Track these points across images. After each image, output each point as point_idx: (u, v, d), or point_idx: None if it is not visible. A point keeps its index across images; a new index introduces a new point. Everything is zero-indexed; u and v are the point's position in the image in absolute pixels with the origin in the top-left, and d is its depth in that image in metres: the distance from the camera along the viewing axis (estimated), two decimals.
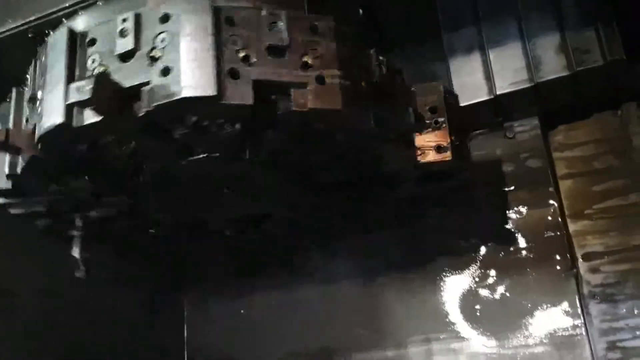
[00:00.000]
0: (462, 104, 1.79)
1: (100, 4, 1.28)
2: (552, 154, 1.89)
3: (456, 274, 1.88)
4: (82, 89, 1.03)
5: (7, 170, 1.29)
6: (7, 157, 1.29)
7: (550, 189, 1.83)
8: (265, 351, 2.09)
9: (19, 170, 1.28)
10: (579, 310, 1.72)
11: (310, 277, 2.09)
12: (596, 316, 1.71)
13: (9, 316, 1.62)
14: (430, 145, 1.41)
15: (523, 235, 1.83)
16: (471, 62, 1.83)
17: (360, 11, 1.60)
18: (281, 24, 1.16)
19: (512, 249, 1.83)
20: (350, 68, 1.22)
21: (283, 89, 1.15)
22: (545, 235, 1.80)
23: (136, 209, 1.53)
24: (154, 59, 1.09)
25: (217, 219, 1.71)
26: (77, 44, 1.15)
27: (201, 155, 1.27)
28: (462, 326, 1.83)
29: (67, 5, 1.30)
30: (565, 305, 1.73)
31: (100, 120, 1.08)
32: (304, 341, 2.05)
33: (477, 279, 1.85)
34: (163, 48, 1.09)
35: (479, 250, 1.87)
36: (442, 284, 1.89)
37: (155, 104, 1.06)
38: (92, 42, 1.15)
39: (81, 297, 1.82)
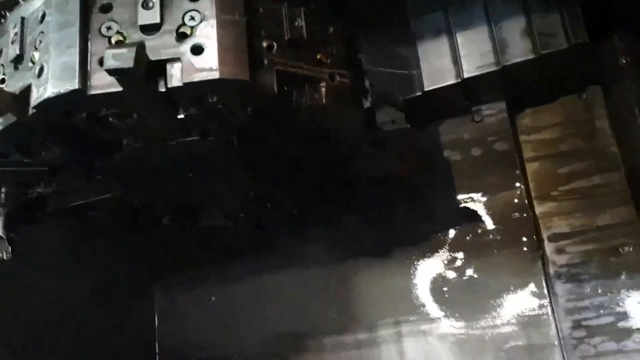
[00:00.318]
0: (430, 88, 1.82)
1: None
2: (519, 137, 1.91)
3: (425, 257, 1.90)
4: (123, 57, 1.00)
5: None
6: None
7: (517, 172, 1.84)
8: (236, 337, 2.10)
9: None
10: (545, 291, 1.74)
11: (280, 263, 2.10)
12: (562, 296, 1.74)
13: None
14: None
15: (490, 218, 1.85)
16: (439, 46, 1.83)
17: None
18: (299, 20, 1.17)
19: (479, 231, 1.85)
20: (351, 67, 1.28)
21: (300, 82, 1.18)
22: (512, 218, 1.82)
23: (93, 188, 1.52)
24: (183, 36, 1.09)
25: (166, 205, 1.71)
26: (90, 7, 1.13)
27: (194, 138, 1.27)
28: (431, 308, 1.85)
29: None
30: (531, 285, 1.76)
31: (121, 91, 1.07)
32: (275, 327, 2.06)
33: (445, 262, 1.87)
34: (193, 26, 1.08)
35: (447, 234, 1.89)
36: (411, 267, 1.91)
37: (187, 81, 1.06)
38: (106, 8, 1.13)
39: (45, 284, 1.80)
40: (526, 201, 1.82)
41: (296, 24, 1.18)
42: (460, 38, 1.81)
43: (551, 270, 1.77)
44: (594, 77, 1.86)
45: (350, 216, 2.02)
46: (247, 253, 2.14)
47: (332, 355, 1.95)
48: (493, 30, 1.77)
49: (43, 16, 1.16)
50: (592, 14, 1.70)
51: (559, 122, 1.88)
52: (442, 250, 1.88)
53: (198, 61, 1.05)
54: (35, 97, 1.12)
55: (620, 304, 1.68)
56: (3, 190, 1.48)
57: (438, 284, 1.86)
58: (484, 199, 1.87)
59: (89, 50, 1.09)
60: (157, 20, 1.08)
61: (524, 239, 1.79)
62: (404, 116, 1.45)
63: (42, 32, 1.15)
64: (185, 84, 1.05)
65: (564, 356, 1.69)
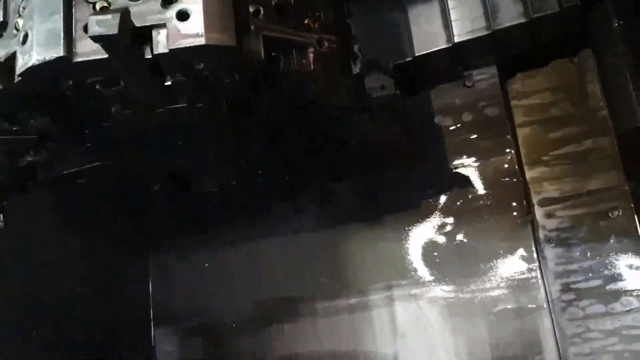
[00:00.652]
0: (421, 53, 1.82)
1: None
2: (510, 102, 1.91)
3: (416, 222, 1.91)
4: (107, 23, 0.98)
5: None
6: None
7: (508, 137, 1.85)
8: (230, 303, 2.12)
9: None
10: (535, 255, 1.76)
11: (273, 230, 2.11)
12: (551, 260, 1.76)
13: None
14: None
15: (481, 183, 1.86)
16: (430, 10, 1.82)
17: None
18: None
19: (470, 196, 1.86)
20: (340, 34, 1.26)
21: (288, 48, 1.17)
22: (503, 183, 1.83)
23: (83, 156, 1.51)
24: (168, 1, 1.06)
25: (157, 173, 1.71)
26: None
27: (182, 105, 1.26)
28: (422, 273, 1.87)
29: None
30: (521, 250, 1.77)
31: (106, 58, 1.06)
32: (268, 292, 2.07)
33: (436, 227, 1.88)
34: None
35: (438, 199, 1.90)
36: (402, 232, 1.92)
37: (173, 47, 1.04)
38: None
39: (38, 252, 1.81)
40: (516, 166, 1.82)
41: None
42: (451, 2, 1.80)
43: (541, 234, 1.78)
44: (585, 41, 1.85)
45: (341, 182, 2.03)
46: (239, 220, 2.15)
47: (325, 319, 1.97)
48: None
49: None
50: None
51: (550, 87, 1.87)
52: (433, 216, 1.89)
53: (184, 27, 1.03)
54: (20, 65, 1.10)
55: (609, 267, 1.70)
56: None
57: (429, 248, 1.88)
58: (475, 164, 1.87)
59: (74, 16, 1.08)
60: None
61: (514, 204, 1.80)
62: (394, 82, 1.45)
63: None
64: (171, 51, 1.03)
65: (552, 319, 1.71)
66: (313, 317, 1.98)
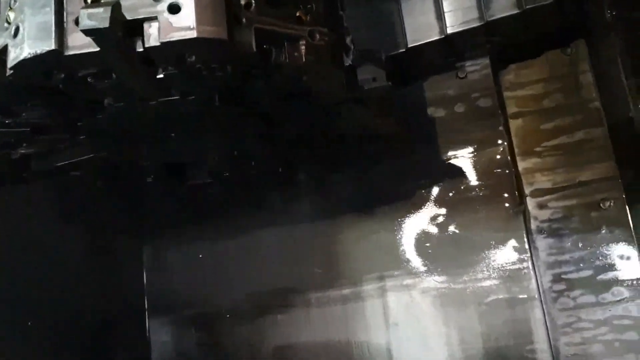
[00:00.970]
0: (414, 44, 1.82)
1: None
2: (503, 93, 1.92)
3: (409, 213, 1.92)
4: (99, 17, 0.97)
5: None
6: None
7: (501, 128, 1.85)
8: (224, 293, 2.12)
9: None
10: (526, 245, 1.77)
11: (268, 220, 2.11)
12: (543, 250, 1.77)
13: None
14: None
15: (473, 174, 1.86)
16: (423, 1, 1.81)
17: None
18: None
19: (462, 187, 1.87)
20: (332, 27, 1.26)
21: (279, 41, 1.16)
22: (495, 174, 1.84)
23: (77, 148, 1.52)
24: None
25: (150, 164, 1.72)
26: None
27: (174, 98, 1.26)
28: (415, 263, 1.88)
29: None
30: (513, 240, 1.78)
31: (98, 51, 1.05)
32: (263, 283, 2.08)
33: (428, 218, 1.89)
34: None
35: (431, 190, 1.90)
36: (395, 223, 1.93)
37: (164, 40, 1.04)
38: None
39: (34, 243, 1.81)
40: (509, 157, 1.83)
41: None
42: None
43: (533, 225, 1.80)
44: (579, 31, 1.85)
45: (336, 174, 2.04)
46: (234, 210, 2.16)
47: (318, 310, 1.99)
48: None
49: None
50: None
51: (543, 78, 1.88)
52: (426, 207, 1.90)
53: (175, 20, 1.03)
54: (12, 58, 1.09)
55: (600, 257, 1.71)
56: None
57: (421, 239, 1.89)
58: (468, 155, 1.88)
59: (65, 9, 1.07)
60: None
61: (506, 195, 1.81)
62: (385, 74, 1.45)
63: None
64: (162, 44, 1.03)
65: (543, 309, 1.72)
66: (307, 307, 1.99)
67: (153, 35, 1.05)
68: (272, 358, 2.03)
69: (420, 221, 1.90)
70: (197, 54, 1.09)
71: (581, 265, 1.72)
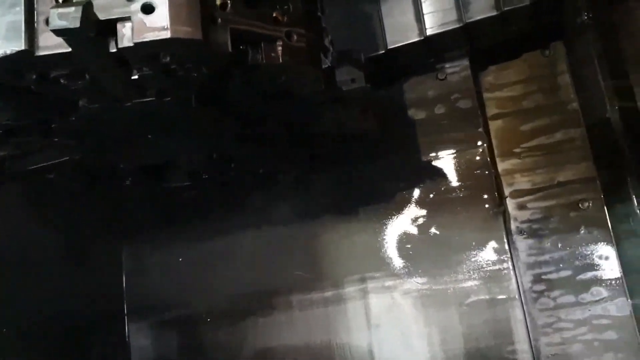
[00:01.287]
0: (394, 45, 1.82)
1: None
2: (483, 95, 1.92)
3: (389, 215, 1.91)
4: (69, 16, 0.96)
5: None
6: None
7: (480, 129, 1.86)
8: (204, 296, 2.11)
9: None
10: (506, 246, 1.77)
11: (248, 222, 2.10)
12: (523, 251, 1.78)
13: None
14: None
15: (453, 175, 1.86)
16: (402, 3, 1.82)
17: None
18: None
19: (442, 189, 1.87)
20: (309, 28, 1.25)
21: (256, 41, 1.16)
22: (475, 175, 1.84)
23: (52, 150, 1.50)
24: None
25: (128, 167, 1.70)
26: None
27: (150, 99, 1.24)
28: (396, 265, 1.88)
29: None
30: (493, 241, 1.79)
31: (70, 52, 1.04)
32: (243, 285, 2.07)
33: (409, 219, 1.89)
34: None
35: (411, 192, 1.90)
36: (376, 225, 1.92)
37: (138, 40, 1.02)
38: None
39: (11, 245, 1.79)
40: (489, 158, 1.83)
41: None
42: None
43: (512, 226, 1.81)
44: (557, 33, 1.86)
45: (316, 175, 2.03)
46: (213, 212, 2.15)
47: (300, 312, 1.98)
48: None
49: None
50: None
51: (522, 79, 1.89)
52: (406, 208, 1.90)
53: (149, 20, 1.01)
54: None
55: (579, 258, 1.72)
56: None
57: (402, 240, 1.89)
58: (448, 156, 1.88)
59: (35, 9, 1.06)
60: None
61: (486, 196, 1.81)
62: (364, 75, 1.45)
63: None
64: (136, 44, 1.02)
65: (524, 309, 1.73)
66: (288, 310, 1.98)
67: (127, 36, 1.03)
68: None
69: (401, 222, 1.90)
70: (171, 54, 1.08)
71: (561, 265, 1.73)
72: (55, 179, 1.61)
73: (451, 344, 1.79)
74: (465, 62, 1.90)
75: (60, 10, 0.95)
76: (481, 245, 1.80)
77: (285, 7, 1.22)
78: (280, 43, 1.19)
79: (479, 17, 1.73)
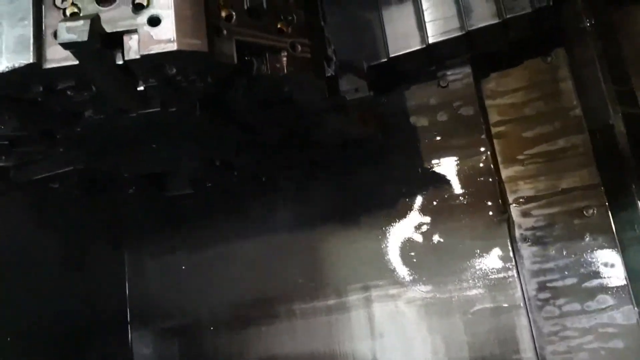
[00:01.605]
0: (395, 54, 1.82)
1: None
2: (485, 102, 1.92)
3: (393, 222, 1.91)
4: (77, 30, 0.96)
5: None
6: None
7: (483, 137, 1.85)
8: (206, 304, 2.11)
9: None
10: (511, 254, 1.77)
11: (250, 229, 2.10)
12: (527, 258, 1.77)
13: None
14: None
15: (457, 183, 1.86)
16: (404, 11, 1.82)
17: None
18: None
19: (446, 196, 1.87)
20: (313, 38, 1.26)
21: (261, 52, 1.16)
22: (478, 182, 1.84)
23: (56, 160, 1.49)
24: (139, 7, 1.05)
25: (131, 175, 1.70)
26: None
27: (155, 109, 1.25)
28: (400, 273, 1.87)
29: None
30: (497, 249, 1.78)
31: (77, 64, 1.04)
32: (245, 293, 2.06)
33: (413, 227, 1.88)
34: None
35: (415, 199, 1.90)
36: (379, 232, 1.92)
37: (144, 53, 1.03)
38: None
39: (15, 252, 1.79)
40: (492, 165, 1.83)
41: None
42: (425, 3, 1.79)
43: (517, 233, 1.80)
44: (558, 39, 1.86)
45: (318, 181, 2.03)
46: (216, 220, 2.15)
47: (302, 321, 1.97)
48: None
49: None
50: None
51: (524, 86, 1.89)
52: (410, 215, 1.89)
53: (155, 33, 1.02)
54: None
55: (584, 265, 1.72)
56: None
57: (406, 248, 1.88)
58: (451, 163, 1.88)
59: (44, 22, 1.06)
60: None
61: (490, 203, 1.81)
62: (367, 84, 1.45)
63: None
64: (142, 56, 1.02)
65: (529, 317, 1.72)
66: (290, 318, 1.98)
67: (133, 48, 1.04)
68: None
69: (404, 230, 1.89)
70: (177, 66, 1.08)
71: (566, 273, 1.73)
72: (59, 188, 1.61)
73: (456, 353, 1.78)
74: (467, 70, 1.90)
75: (69, 24, 0.95)
76: (485, 253, 1.79)
77: (290, 18, 1.22)
78: (285, 54, 1.19)
79: (480, 25, 1.73)
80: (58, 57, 1.04)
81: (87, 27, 0.95)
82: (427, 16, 1.79)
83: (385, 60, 1.81)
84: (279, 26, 1.19)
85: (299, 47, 1.21)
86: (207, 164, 1.73)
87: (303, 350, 1.96)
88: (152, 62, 1.05)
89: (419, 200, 1.89)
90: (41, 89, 1.12)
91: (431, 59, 1.87)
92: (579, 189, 1.77)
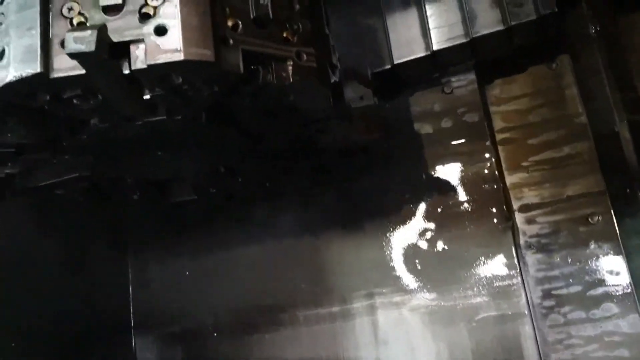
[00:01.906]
0: (400, 61, 1.82)
1: None
2: (489, 108, 1.92)
3: (396, 228, 1.90)
4: (85, 40, 0.96)
5: None
6: None
7: (487, 143, 1.85)
8: (210, 310, 2.10)
9: None
10: (515, 261, 1.76)
11: (253, 235, 2.09)
12: (532, 265, 1.77)
13: None
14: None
15: (461, 189, 1.85)
16: (408, 18, 1.82)
17: None
18: None
19: (450, 202, 1.86)
20: (318, 46, 1.27)
21: (266, 61, 1.16)
22: (483, 189, 1.83)
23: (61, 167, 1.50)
24: (146, 16, 1.05)
25: (135, 182, 1.70)
26: None
27: (161, 117, 1.24)
28: (404, 280, 1.86)
29: None
30: (501, 256, 1.78)
31: (84, 74, 1.04)
32: (249, 299, 2.06)
33: (417, 234, 1.88)
34: (156, 6, 1.05)
35: (419, 206, 1.89)
36: (383, 239, 1.91)
37: (151, 63, 1.03)
38: None
39: (19, 257, 1.79)
40: (496, 172, 1.82)
41: (261, 1, 1.16)
42: (429, 9, 1.80)
43: (521, 240, 1.79)
44: (563, 46, 1.86)
45: (322, 188, 2.02)
46: (219, 225, 2.14)
47: (306, 328, 1.96)
48: (462, 1, 1.76)
49: None
50: None
51: (528, 93, 1.89)
52: (414, 222, 1.88)
53: (162, 42, 1.02)
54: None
55: (589, 273, 1.71)
56: None
57: (410, 255, 1.87)
58: (455, 170, 1.87)
59: (51, 32, 1.06)
60: (119, 1, 1.05)
61: (495, 210, 1.80)
62: (372, 92, 1.45)
63: (2, 14, 1.11)
64: (149, 66, 1.02)
65: (534, 325, 1.71)
66: (294, 325, 1.97)
67: (140, 58, 1.04)
68: None
69: (408, 236, 1.88)
70: (184, 75, 1.08)
71: (571, 280, 1.72)
72: (64, 195, 1.60)
73: None
74: (472, 76, 1.89)
75: (76, 34, 0.95)
76: (490, 260, 1.78)
77: (295, 27, 1.22)
78: (291, 62, 1.19)
79: (485, 32, 1.73)
80: (65, 67, 1.05)
81: (94, 37, 0.95)
82: (432, 23, 1.79)
83: (390, 66, 1.81)
84: (284, 35, 1.19)
85: (305, 56, 1.21)
86: (211, 171, 1.73)
87: (307, 358, 1.95)
88: (159, 72, 1.05)
89: (423, 206, 1.89)
90: (48, 97, 1.12)
91: (435, 66, 1.86)
92: (584, 196, 1.77)
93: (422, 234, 1.87)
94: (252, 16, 1.15)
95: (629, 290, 1.66)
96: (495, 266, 1.78)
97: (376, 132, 1.69)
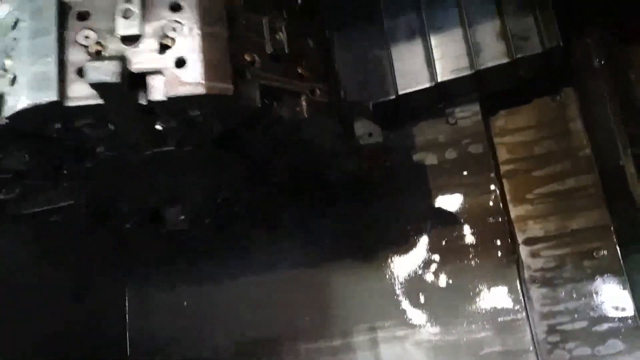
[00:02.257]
0: (404, 91, 1.81)
1: None
2: (494, 140, 1.91)
3: (400, 261, 1.88)
4: (108, 71, 0.96)
5: None
6: None
7: (492, 175, 1.84)
8: (209, 340, 2.06)
9: None
10: (520, 295, 1.74)
11: (254, 266, 2.06)
12: (536, 300, 1.74)
13: None
14: None
15: (465, 222, 1.84)
16: (412, 48, 1.82)
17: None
18: (281, 34, 1.18)
19: (455, 234, 1.84)
20: (329, 81, 1.29)
21: (282, 95, 1.17)
22: (487, 221, 1.81)
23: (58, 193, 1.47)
24: (164, 47, 1.04)
25: (130, 210, 1.68)
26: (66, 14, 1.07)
27: (170, 148, 1.24)
28: (407, 313, 1.84)
29: None
30: (506, 290, 1.75)
31: (101, 104, 1.03)
32: (248, 330, 2.02)
33: (420, 267, 1.85)
34: (175, 38, 1.05)
35: (422, 237, 1.87)
36: (386, 271, 1.89)
37: (171, 95, 1.02)
38: (83, 16, 1.07)
39: (14, 283, 1.76)
40: (501, 204, 1.81)
41: (277, 37, 1.16)
42: (434, 40, 1.80)
43: (526, 274, 1.77)
44: (568, 78, 1.86)
45: (324, 219, 2.00)
46: (219, 254, 2.11)
47: None
48: (467, 33, 1.76)
49: (16, 22, 1.10)
50: (565, 14, 1.70)
51: (533, 124, 1.88)
52: (417, 254, 1.86)
53: (182, 74, 1.01)
54: (9, 107, 1.06)
55: (595, 308, 1.69)
56: None
57: (414, 288, 1.85)
58: (459, 202, 1.86)
59: (66, 59, 1.04)
60: (137, 32, 1.04)
61: (499, 243, 1.79)
62: (380, 129, 1.44)
63: (14, 39, 1.09)
64: (169, 98, 1.01)
65: None
66: (295, 358, 1.93)
67: (157, 88, 1.03)
68: None
69: (411, 269, 1.86)
70: (202, 109, 1.07)
71: (576, 316, 1.70)
72: (60, 221, 1.57)
73: None
74: (476, 107, 1.89)
75: (97, 63, 0.94)
76: (494, 294, 1.76)
77: (309, 62, 1.22)
78: (304, 97, 1.19)
79: (490, 64, 1.73)
80: (80, 95, 1.03)
81: (119, 69, 0.94)
82: (437, 54, 1.79)
83: (394, 97, 1.80)
84: (299, 71, 1.19)
85: (318, 92, 1.21)
86: (207, 200, 1.71)
87: None
88: (178, 105, 1.04)
89: (427, 239, 1.87)
90: (59, 126, 1.10)
91: (440, 97, 1.86)
92: (588, 230, 1.75)
93: (426, 266, 1.85)
94: (268, 51, 1.14)
95: (635, 326, 1.65)
96: (499, 300, 1.76)
97: (381, 162, 1.68)
